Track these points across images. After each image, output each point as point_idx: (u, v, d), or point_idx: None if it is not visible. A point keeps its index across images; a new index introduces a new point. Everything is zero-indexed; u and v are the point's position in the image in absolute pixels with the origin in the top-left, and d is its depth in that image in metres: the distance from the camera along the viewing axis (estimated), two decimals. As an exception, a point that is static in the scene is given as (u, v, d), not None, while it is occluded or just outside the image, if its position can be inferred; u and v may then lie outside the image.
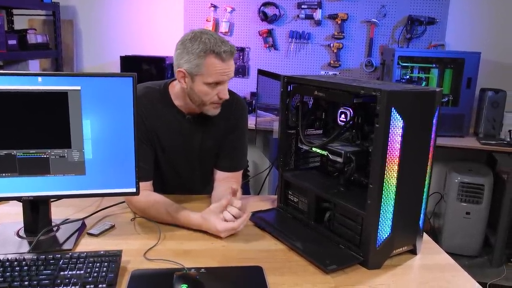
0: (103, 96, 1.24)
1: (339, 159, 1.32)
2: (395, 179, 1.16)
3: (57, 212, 1.44)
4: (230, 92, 1.72)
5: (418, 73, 3.14)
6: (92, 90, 1.23)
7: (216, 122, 1.64)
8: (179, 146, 1.63)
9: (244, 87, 3.78)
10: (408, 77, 3.11)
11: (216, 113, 1.56)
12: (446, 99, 3.10)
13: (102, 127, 1.25)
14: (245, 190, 3.58)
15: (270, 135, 3.09)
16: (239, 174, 1.72)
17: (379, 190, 1.15)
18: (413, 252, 1.30)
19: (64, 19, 3.96)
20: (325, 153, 1.38)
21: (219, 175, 1.68)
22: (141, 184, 1.36)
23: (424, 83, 3.13)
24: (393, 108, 1.11)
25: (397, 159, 1.15)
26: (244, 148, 1.74)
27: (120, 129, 1.26)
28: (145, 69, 3.62)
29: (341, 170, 1.44)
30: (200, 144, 1.65)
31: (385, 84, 1.30)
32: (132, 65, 3.62)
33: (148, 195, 1.49)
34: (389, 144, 1.13)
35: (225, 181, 1.64)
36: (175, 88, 1.59)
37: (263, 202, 1.68)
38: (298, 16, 3.64)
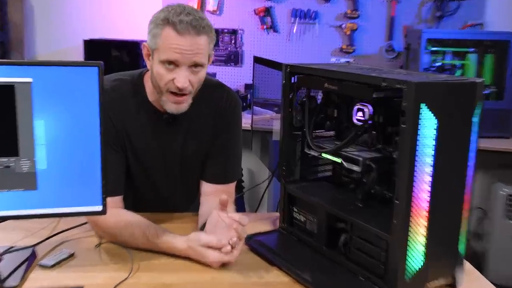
0: (61, 90, 1.22)
1: (356, 168, 1.32)
2: (427, 192, 1.15)
3: (0, 238, 1.42)
4: (219, 84, 1.70)
5: (452, 59, 3.14)
6: (46, 82, 1.22)
7: (201, 122, 1.63)
8: (156, 152, 1.62)
9: (237, 78, 3.77)
10: (439, 64, 3.11)
11: (177, 111, 1.52)
12: (488, 91, 3.09)
13: (60, 129, 1.24)
14: (239, 206, 3.57)
15: (269, 137, 3.08)
16: (231, 187, 1.71)
17: (407, 207, 1.14)
18: (453, 285, 1.29)
19: (12, -7, 3.94)
20: (338, 160, 1.37)
21: (207, 188, 1.67)
22: (109, 200, 1.35)
23: (459, 72, 3.13)
24: (423, 104, 1.10)
25: (430, 168, 1.14)
26: (237, 154, 1.73)
27: (83, 132, 1.25)
28: (114, 56, 3.61)
29: (359, 181, 1.43)
30: (182, 149, 1.64)
31: (412, 74, 1.29)
32: (99, 51, 3.60)
33: (118, 214, 1.48)
34: (418, 149, 1.12)
35: (215, 196, 1.62)
36: (151, 80, 1.58)
37: (262, 222, 1.67)
38: (303, -10, 3.64)
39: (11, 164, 1.23)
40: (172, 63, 1.44)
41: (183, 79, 1.45)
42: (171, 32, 1.42)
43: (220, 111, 1.65)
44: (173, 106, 1.51)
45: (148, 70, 1.61)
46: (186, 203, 1.77)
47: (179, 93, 1.48)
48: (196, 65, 1.47)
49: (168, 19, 1.42)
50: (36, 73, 1.21)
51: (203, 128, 1.64)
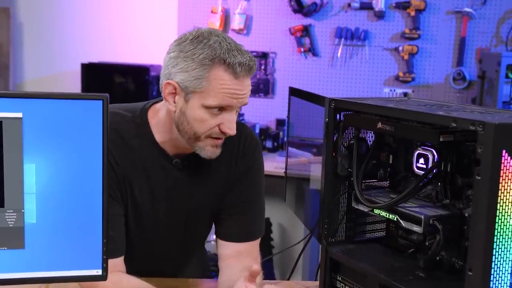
0: (56, 128, 1.24)
1: (417, 228, 1.30)
2: (509, 262, 1.13)
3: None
4: (237, 123, 1.72)
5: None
6: (39, 118, 1.23)
7: (214, 168, 1.66)
8: (161, 205, 1.64)
9: (267, 111, 3.80)
10: (522, 98, 3.10)
11: (214, 156, 1.57)
12: None
13: (54, 176, 1.25)
14: (267, 271, 3.54)
15: (306, 185, 3.07)
16: (255, 245, 1.72)
17: (483, 280, 1.12)
18: None
19: (-3, 7, 4.05)
20: (394, 217, 1.36)
21: (226, 249, 1.68)
22: (110, 262, 1.34)
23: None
24: (504, 151, 1.09)
25: (512, 231, 1.13)
26: (260, 205, 1.75)
27: (82, 179, 1.26)
28: (118, 84, 3.69)
29: (420, 245, 1.42)
30: (191, 202, 1.66)
31: (490, 112, 1.29)
32: (99, 77, 3.69)
33: (119, 280, 1.49)
34: (499, 206, 1.10)
35: (237, 259, 1.63)
36: (158, 115, 1.62)
37: (297, 293, 1.66)
38: (349, 5, 3.69)
39: (-6, 217, 1.24)
40: (222, 108, 1.49)
41: (234, 125, 1.51)
42: (226, 75, 1.46)
43: (237, 155, 1.68)
44: (211, 150, 1.54)
45: (154, 103, 1.65)
46: (176, 268, 1.80)
47: (220, 138, 1.53)
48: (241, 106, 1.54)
49: (221, 59, 1.46)
50: (27, 107, 1.22)
51: (216, 176, 1.67)
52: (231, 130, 1.51)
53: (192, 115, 1.50)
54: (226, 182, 1.68)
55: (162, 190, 1.63)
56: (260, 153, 1.76)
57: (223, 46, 1.47)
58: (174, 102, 1.53)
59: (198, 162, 1.61)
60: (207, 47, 1.47)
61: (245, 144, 1.70)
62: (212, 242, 1.86)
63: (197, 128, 1.51)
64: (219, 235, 1.71)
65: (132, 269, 1.64)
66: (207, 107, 1.48)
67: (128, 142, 1.60)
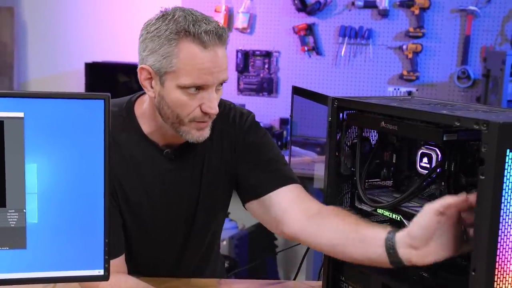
0: (58, 127, 1.24)
1: (421, 228, 1.29)
2: (513, 263, 1.12)
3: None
4: (226, 102, 1.67)
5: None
6: (41, 118, 1.23)
7: (208, 155, 1.61)
8: (156, 198, 1.61)
9: (271, 110, 3.80)
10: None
11: (202, 139, 1.51)
12: None
13: (55, 175, 1.25)
14: (271, 271, 3.54)
15: (309, 184, 3.06)
16: (303, 188, 1.62)
17: (487, 281, 1.11)
18: None
19: (0, 5, 4.05)
20: (397, 217, 1.35)
21: (282, 197, 1.55)
22: (110, 262, 1.34)
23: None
24: (508, 151, 1.08)
25: (517, 231, 1.11)
26: (282, 157, 1.67)
27: (83, 179, 1.26)
28: (122, 82, 3.68)
29: (424, 245, 1.40)
30: (188, 192, 1.62)
31: (494, 110, 1.28)
32: (103, 76, 3.69)
33: (118, 279, 1.48)
34: (503, 206, 1.09)
35: (300, 202, 1.54)
36: (143, 106, 1.59)
37: (300, 293, 1.65)
38: (353, 3, 3.68)
39: (-5, 217, 1.24)
40: (199, 87, 1.44)
41: (215, 103, 1.46)
42: (194, 48, 1.41)
43: (235, 134, 1.63)
44: (196, 134, 1.50)
45: (140, 95, 1.62)
46: (197, 267, 1.76)
47: (205, 120, 1.48)
48: (221, 83, 1.48)
49: (186, 30, 1.41)
50: (28, 107, 1.22)
51: (217, 157, 1.62)
52: (212, 109, 1.45)
53: (170, 98, 1.46)
54: (232, 159, 1.63)
55: (155, 183, 1.60)
56: (257, 125, 1.68)
57: (188, 19, 1.42)
58: (152, 88, 1.49)
59: (190, 150, 1.58)
60: (172, 22, 1.42)
61: (240, 119, 1.65)
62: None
63: (178, 111, 1.46)
64: (257, 193, 1.59)
65: (134, 270, 1.63)
66: (183, 87, 1.43)
67: (115, 137, 1.53)
